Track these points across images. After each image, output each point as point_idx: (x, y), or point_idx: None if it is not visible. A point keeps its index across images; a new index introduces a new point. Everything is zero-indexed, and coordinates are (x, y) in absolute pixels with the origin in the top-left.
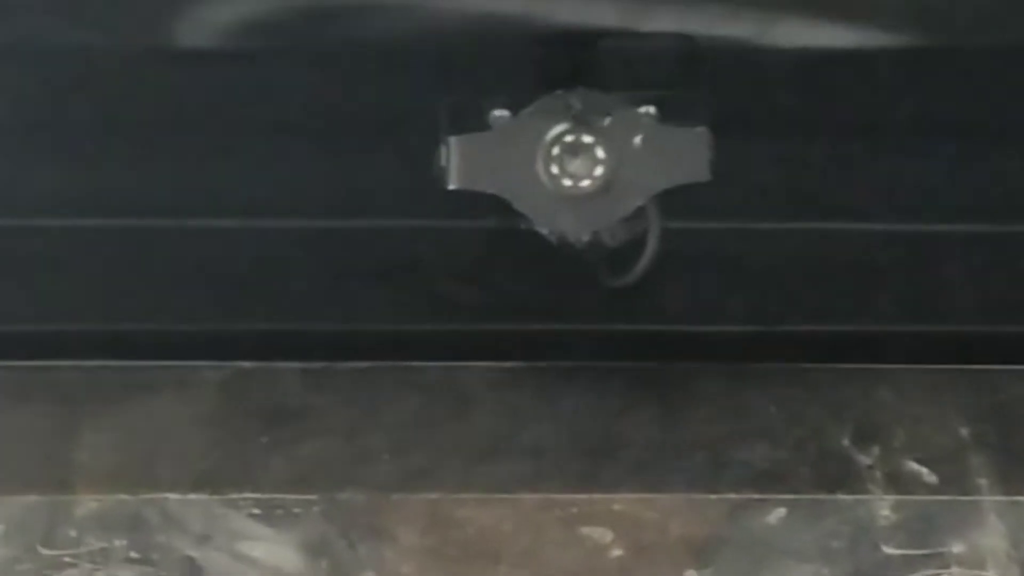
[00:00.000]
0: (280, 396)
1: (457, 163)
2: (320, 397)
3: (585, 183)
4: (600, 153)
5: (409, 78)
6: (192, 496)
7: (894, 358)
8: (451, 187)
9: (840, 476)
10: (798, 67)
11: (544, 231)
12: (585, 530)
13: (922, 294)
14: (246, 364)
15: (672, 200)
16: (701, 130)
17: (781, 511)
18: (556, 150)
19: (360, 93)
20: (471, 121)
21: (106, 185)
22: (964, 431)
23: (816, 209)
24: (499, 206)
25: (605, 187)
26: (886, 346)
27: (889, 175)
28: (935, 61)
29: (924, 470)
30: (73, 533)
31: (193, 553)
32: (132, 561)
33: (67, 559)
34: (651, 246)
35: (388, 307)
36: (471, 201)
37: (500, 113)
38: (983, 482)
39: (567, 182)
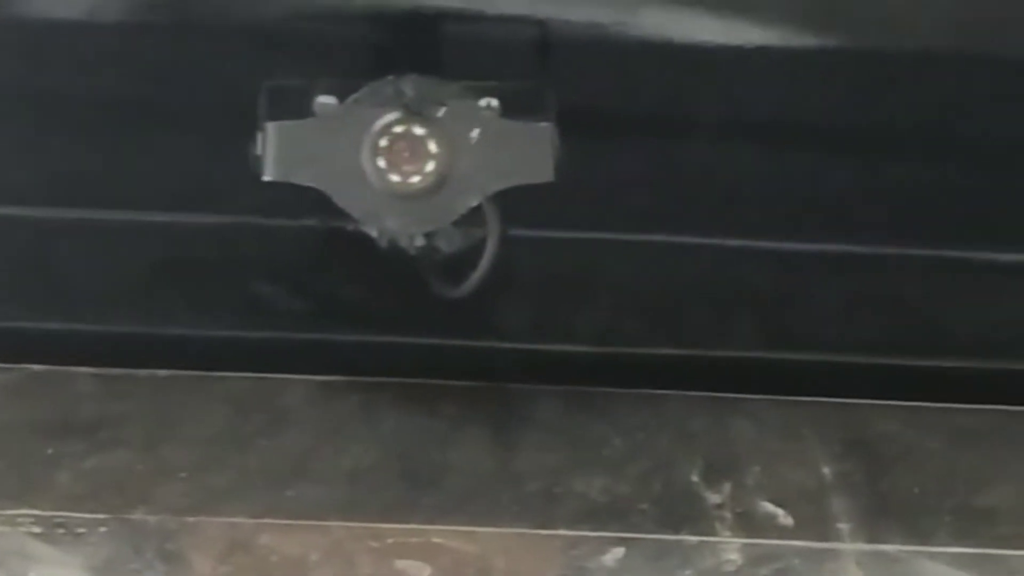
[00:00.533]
0: (71, 404)
1: (274, 152)
2: (116, 406)
3: (415, 179)
4: (433, 147)
5: (227, 58)
6: None
7: (752, 387)
8: (266, 178)
9: (686, 515)
10: (661, 60)
11: (372, 232)
12: (400, 563)
13: (786, 319)
14: (36, 367)
15: (514, 204)
16: (545, 126)
17: (619, 551)
18: (384, 141)
19: (173, 74)
20: (293, 107)
21: None
22: (826, 470)
23: (673, 220)
24: (324, 203)
25: (437, 185)
26: (744, 374)
27: (756, 185)
28: (802, 61)
29: (779, 511)
30: None
31: None
32: None
33: None
34: (489, 254)
35: (195, 310)
36: (293, 196)
37: (325, 100)
38: (844, 527)
39: (395, 177)
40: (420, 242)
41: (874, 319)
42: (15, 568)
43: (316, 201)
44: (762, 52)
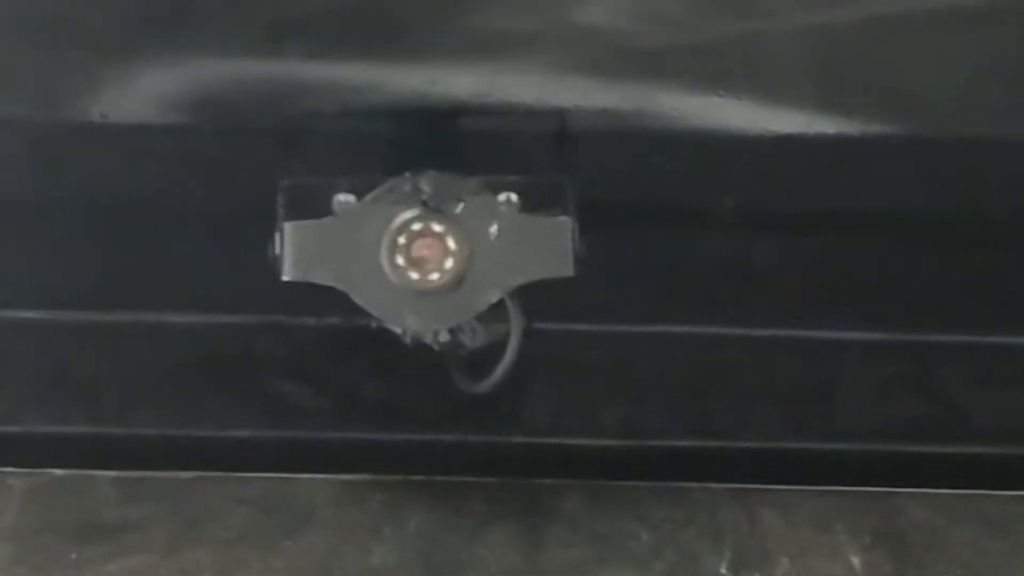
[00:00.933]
0: (93, 508)
1: (292, 252)
2: (138, 509)
3: (434, 276)
4: (452, 243)
5: (246, 157)
6: None
7: (780, 478)
8: (285, 278)
9: None
10: (680, 149)
11: (396, 330)
12: None
13: (813, 408)
14: (57, 471)
15: (537, 298)
16: (564, 219)
17: None
18: (403, 239)
19: (193, 174)
20: (311, 205)
21: None
22: (855, 560)
23: (697, 311)
24: (347, 301)
25: (457, 281)
26: (772, 464)
27: (779, 274)
28: (823, 147)
29: None
30: None
31: None
32: None
33: None
34: (512, 349)
35: (217, 411)
36: (314, 295)
37: (344, 198)
38: None
39: (414, 275)
40: (444, 338)
41: (901, 406)
42: None
43: (339, 299)
44: (781, 140)
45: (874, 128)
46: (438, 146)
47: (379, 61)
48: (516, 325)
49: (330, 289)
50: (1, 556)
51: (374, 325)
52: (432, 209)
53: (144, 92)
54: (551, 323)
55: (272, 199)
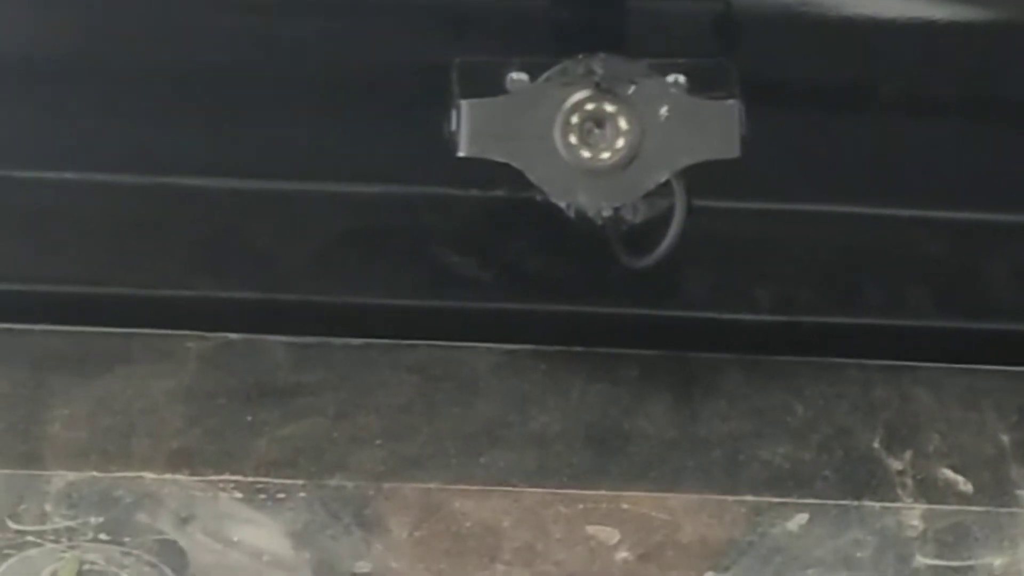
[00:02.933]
0: (267, 372)
1: (468, 128)
2: (310, 375)
3: (606, 155)
4: (623, 124)
5: (420, 34)
6: (168, 476)
7: (932, 356)
8: (461, 154)
9: (868, 481)
10: (842, 36)
11: (561, 204)
12: (591, 529)
13: (964, 288)
14: (232, 336)
15: (700, 176)
16: (732, 103)
17: (803, 516)
18: (575, 119)
19: (367, 50)
20: (486, 84)
21: (85, 139)
22: (1005, 438)
23: (855, 192)
24: (512, 175)
25: (627, 160)
26: (924, 343)
27: (936, 157)
28: (999, 37)
29: (959, 478)
30: (45, 508)
31: (169, 535)
32: (102, 542)
33: (30, 538)
34: (676, 226)
35: (387, 280)
36: (482, 169)
37: (518, 76)
38: (1022, 493)
39: (586, 154)
40: (608, 213)
41: None
42: (220, 532)
43: (506, 173)
44: (941, 27)
45: None
46: (610, 29)
47: None
48: (681, 204)
49: (499, 164)
50: (177, 418)
51: (539, 198)
52: (604, 90)
53: None
54: (712, 200)
55: (446, 77)
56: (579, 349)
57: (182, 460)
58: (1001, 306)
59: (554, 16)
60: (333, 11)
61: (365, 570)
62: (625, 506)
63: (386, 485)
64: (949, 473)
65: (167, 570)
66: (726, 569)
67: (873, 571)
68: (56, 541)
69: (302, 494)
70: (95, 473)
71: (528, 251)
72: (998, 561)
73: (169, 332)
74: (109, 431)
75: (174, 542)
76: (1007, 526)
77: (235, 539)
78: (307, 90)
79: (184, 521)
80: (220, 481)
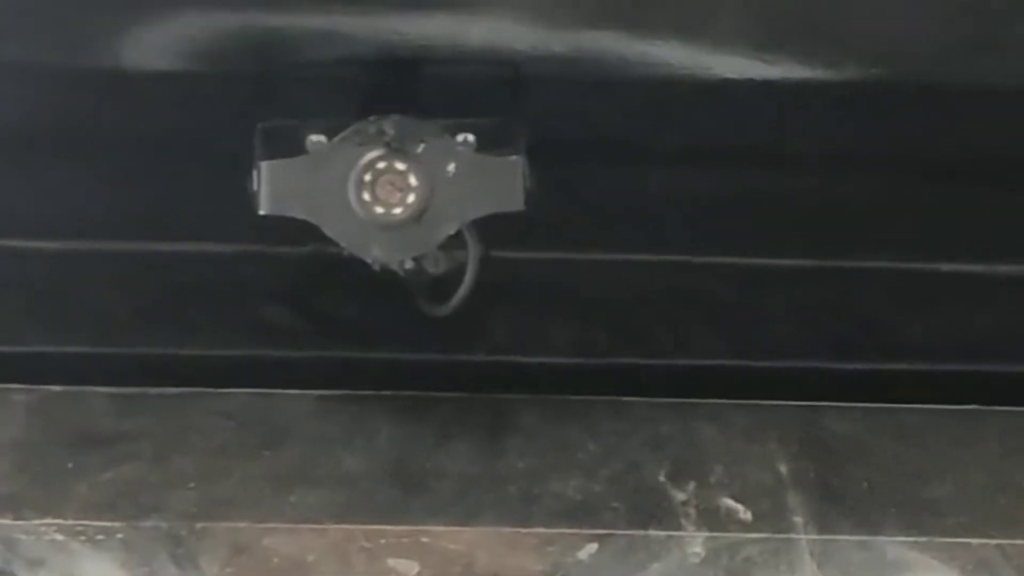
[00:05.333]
0: (89, 421)
1: (267, 188)
2: (130, 422)
3: (397, 210)
4: (413, 180)
5: (229, 101)
6: None
7: (716, 392)
8: (262, 212)
9: (654, 512)
10: (623, 93)
11: (365, 258)
12: (391, 562)
13: (746, 328)
14: (55, 388)
15: (495, 229)
16: (515, 159)
17: (593, 546)
18: (369, 176)
19: (183, 115)
20: (287, 146)
21: None
22: (783, 468)
23: (641, 239)
24: (321, 232)
25: (418, 215)
26: (708, 380)
27: (716, 205)
28: (765, 90)
29: (740, 507)
30: None
31: None
32: None
33: None
34: (470, 274)
35: (202, 331)
36: (292, 226)
37: (316, 138)
38: (798, 520)
39: (379, 209)
40: (409, 265)
41: (827, 327)
42: (40, 572)
43: (314, 230)
44: (719, 82)
45: (811, 72)
46: (401, 92)
47: (348, 13)
48: (474, 254)
49: (305, 222)
50: (5, 465)
51: (346, 253)
52: (395, 149)
53: (138, 41)
54: (508, 251)
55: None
56: (387, 393)
57: (7, 505)
58: (782, 344)
59: (353, 80)
60: (156, 79)
61: None
62: (425, 539)
63: (199, 525)
64: (730, 502)
65: None
66: None
67: None
68: None
69: (120, 535)
70: None
71: (337, 302)
72: None
73: None
74: None
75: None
76: (784, 551)
77: None
78: (129, 154)
79: (7, 562)
80: (43, 525)
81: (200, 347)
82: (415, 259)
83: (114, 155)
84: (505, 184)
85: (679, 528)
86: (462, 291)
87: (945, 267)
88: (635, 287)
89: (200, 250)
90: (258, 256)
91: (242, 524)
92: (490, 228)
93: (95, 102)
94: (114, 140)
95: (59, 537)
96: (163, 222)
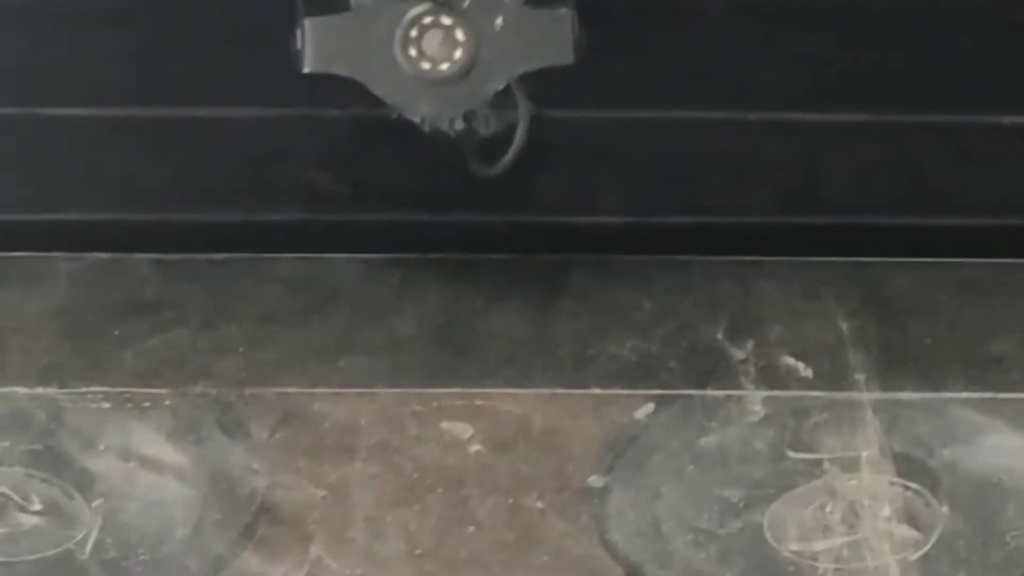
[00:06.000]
0: (134, 288)
1: (312, 45)
2: (175, 289)
3: (444, 66)
4: (460, 35)
5: None
6: (39, 390)
7: (774, 250)
8: (305, 70)
9: (712, 371)
10: None
11: (415, 119)
12: (445, 425)
13: (803, 185)
14: (101, 255)
15: (547, 88)
16: (564, 11)
17: (649, 407)
18: (414, 32)
19: None
20: (332, 3)
21: None
22: (843, 325)
23: (694, 97)
24: (369, 94)
25: (465, 70)
26: (766, 238)
27: (770, 61)
28: None
29: (800, 365)
30: None
31: (40, 444)
32: None
33: None
34: (521, 133)
35: (249, 197)
36: (340, 89)
37: None
38: (860, 377)
39: (425, 65)
40: (459, 126)
41: (886, 183)
42: (88, 438)
43: (362, 92)
44: None
45: None
46: None
47: None
48: (524, 112)
49: (357, 85)
50: (49, 335)
51: (394, 115)
52: (442, 3)
53: None
54: (560, 110)
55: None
56: (435, 256)
57: (52, 374)
58: (839, 201)
59: None
60: None
61: (230, 471)
62: (478, 403)
63: (247, 391)
64: (790, 360)
65: (36, 473)
66: (578, 459)
67: (717, 456)
68: None
69: (167, 402)
70: None
71: (385, 166)
72: (839, 441)
73: (41, 254)
74: None
75: (49, 449)
76: (845, 409)
77: (102, 447)
78: (167, 20)
79: (52, 431)
80: (88, 393)
81: (247, 213)
82: (465, 119)
83: (160, 20)
84: (554, 37)
85: (738, 387)
86: (512, 150)
87: (1007, 120)
88: (689, 145)
89: (247, 115)
90: (305, 120)
91: (291, 389)
92: (541, 87)
93: None
94: (158, 4)
95: (105, 405)
96: (208, 88)
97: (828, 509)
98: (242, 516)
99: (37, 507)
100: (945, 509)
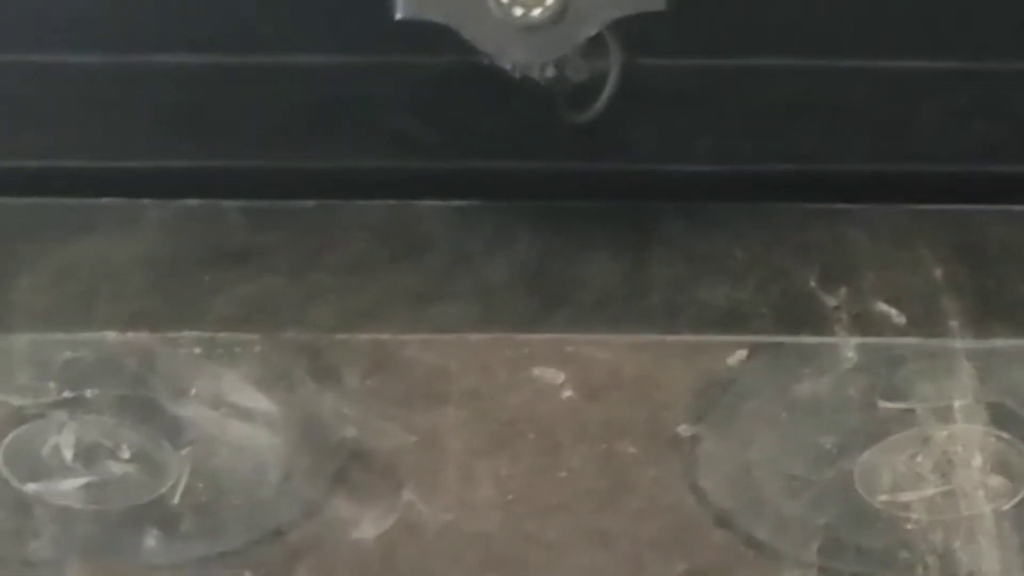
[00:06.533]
0: (223, 235)
1: None
2: (264, 236)
3: (536, 12)
4: None
5: None
6: (130, 335)
7: (865, 198)
8: (399, 16)
9: (805, 317)
10: None
11: (506, 66)
12: (536, 371)
13: (894, 132)
14: (190, 202)
15: (639, 36)
16: None
17: (742, 353)
18: None
19: None
20: None
21: (45, 18)
22: (936, 272)
23: (783, 45)
24: (459, 41)
25: (557, 16)
26: (857, 186)
27: (861, 7)
28: None
29: (893, 312)
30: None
31: (127, 390)
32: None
33: None
34: (612, 80)
35: (338, 144)
36: (431, 36)
37: None
38: (954, 324)
39: (517, 11)
40: (550, 73)
41: (978, 130)
42: (180, 382)
43: (453, 40)
44: None
45: None
46: None
47: None
48: (616, 58)
49: (446, 32)
50: (139, 281)
51: (485, 62)
52: None
53: None
54: (651, 58)
55: None
56: (526, 203)
57: (143, 319)
58: (931, 149)
59: None
60: None
61: (320, 417)
62: (569, 348)
63: (338, 337)
64: (884, 307)
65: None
66: (670, 406)
67: (811, 402)
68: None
69: (258, 348)
70: (60, 335)
71: (476, 112)
72: (932, 389)
73: (130, 200)
74: (72, 295)
75: (137, 396)
76: (940, 355)
77: (193, 392)
78: None
79: (143, 376)
80: (180, 338)
81: (337, 159)
82: (556, 67)
83: None
84: None
85: (831, 334)
86: (604, 97)
87: None
88: (780, 93)
89: (336, 62)
90: (396, 67)
91: (383, 336)
92: (631, 34)
93: None
94: None
95: (196, 350)
96: (297, 34)
97: (919, 459)
98: (333, 462)
99: (127, 455)
100: None
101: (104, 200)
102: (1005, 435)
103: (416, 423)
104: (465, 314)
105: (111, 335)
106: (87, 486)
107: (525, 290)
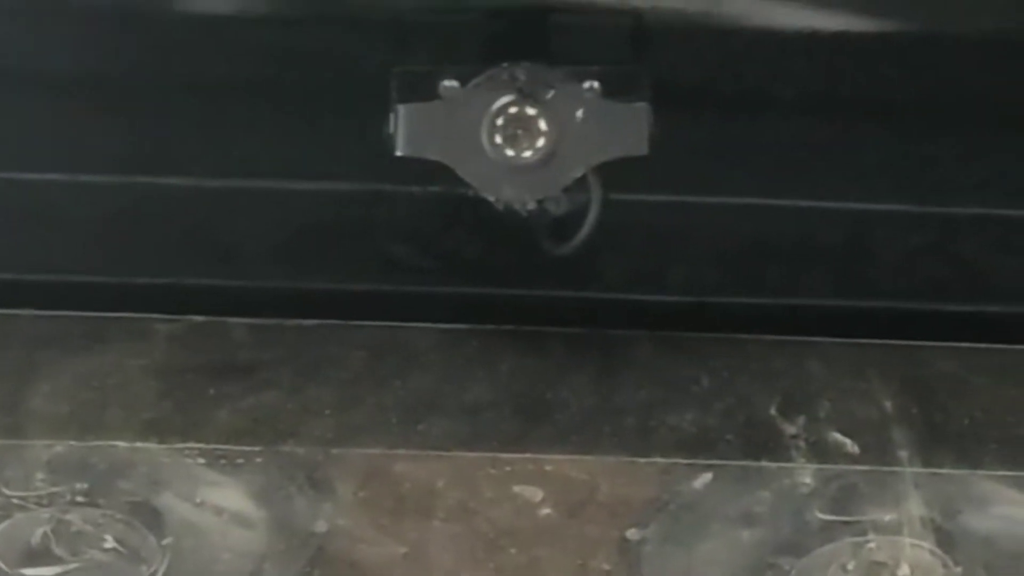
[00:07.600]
0: (228, 350)
1: (404, 130)
2: (267, 352)
3: (527, 154)
4: (543, 125)
5: (365, 47)
6: (139, 444)
7: (824, 331)
8: (399, 153)
9: (765, 444)
10: (744, 45)
11: (490, 198)
12: (517, 488)
13: (853, 271)
14: (197, 318)
15: (615, 172)
16: (641, 105)
17: (707, 475)
18: (500, 121)
19: (319, 61)
20: (422, 90)
21: (61, 140)
22: (888, 404)
23: (753, 185)
24: (449, 173)
25: (547, 158)
26: (817, 320)
27: (824, 153)
28: (880, 44)
29: (847, 440)
30: (24, 476)
31: (138, 497)
32: (80, 504)
33: (15, 501)
34: (592, 216)
35: (337, 267)
36: (422, 168)
37: (449, 83)
38: (903, 454)
39: (510, 152)
40: (532, 206)
41: (929, 270)
42: (184, 492)
43: (442, 171)
44: (836, 35)
45: (928, 28)
46: (532, 41)
47: None
48: (596, 196)
49: (436, 163)
50: (149, 391)
51: (471, 193)
52: (526, 95)
53: None
54: (626, 194)
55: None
56: (509, 328)
57: (152, 429)
58: (887, 287)
59: (483, 29)
60: (292, 24)
61: (316, 528)
62: (548, 468)
63: (334, 451)
64: (838, 436)
65: (141, 528)
66: (643, 525)
67: (771, 525)
68: (38, 504)
69: (259, 459)
70: (72, 442)
71: (462, 241)
72: (885, 516)
73: (141, 315)
74: (86, 404)
75: (146, 503)
76: (890, 483)
77: (198, 500)
78: (270, 99)
79: (154, 484)
80: (186, 448)
81: (334, 282)
82: (537, 200)
83: (256, 97)
84: (631, 129)
85: (789, 459)
86: (584, 231)
87: None
88: (748, 230)
89: (334, 189)
90: (388, 196)
91: (374, 450)
92: (609, 172)
93: (228, 48)
94: (256, 84)
95: (201, 460)
96: (300, 163)
97: (850, 566)
98: (325, 570)
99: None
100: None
101: (114, 314)
102: (938, 551)
103: (405, 534)
104: (451, 432)
105: (121, 444)
106: None
107: (507, 411)
